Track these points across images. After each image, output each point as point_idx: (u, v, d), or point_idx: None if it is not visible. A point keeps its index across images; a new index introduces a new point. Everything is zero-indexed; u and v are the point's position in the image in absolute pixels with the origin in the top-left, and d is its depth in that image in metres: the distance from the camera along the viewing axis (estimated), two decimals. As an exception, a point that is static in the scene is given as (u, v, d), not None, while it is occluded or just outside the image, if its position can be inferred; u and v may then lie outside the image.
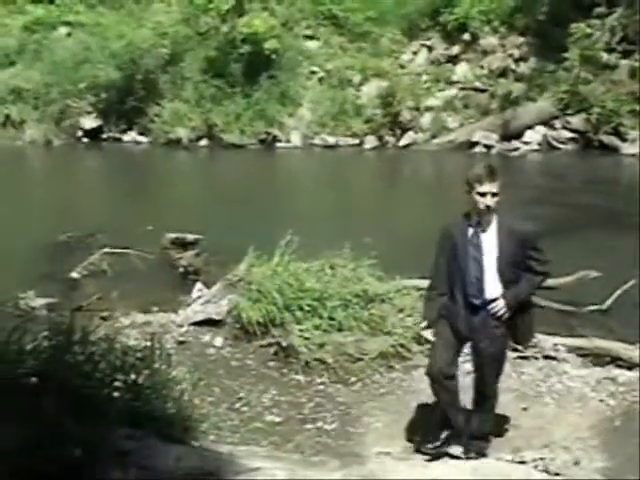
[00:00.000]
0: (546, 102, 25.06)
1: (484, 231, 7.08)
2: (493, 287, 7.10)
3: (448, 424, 7.46)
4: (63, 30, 29.16)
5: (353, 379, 9.18)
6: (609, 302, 11.78)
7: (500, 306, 7.09)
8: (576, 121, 24.49)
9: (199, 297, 11.32)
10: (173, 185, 22.28)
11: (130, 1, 29.59)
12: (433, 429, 7.65)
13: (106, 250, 14.09)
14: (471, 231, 7.11)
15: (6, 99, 27.56)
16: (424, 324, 7.59)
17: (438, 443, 7.44)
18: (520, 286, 7.15)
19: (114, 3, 29.61)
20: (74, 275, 13.60)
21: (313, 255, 10.85)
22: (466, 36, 27.38)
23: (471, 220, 7.11)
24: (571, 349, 9.91)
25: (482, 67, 26.89)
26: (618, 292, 11.86)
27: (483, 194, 6.94)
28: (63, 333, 6.90)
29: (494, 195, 6.95)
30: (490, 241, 7.07)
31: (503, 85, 25.92)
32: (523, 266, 7.12)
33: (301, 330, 9.68)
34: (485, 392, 7.41)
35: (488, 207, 6.95)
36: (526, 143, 24.61)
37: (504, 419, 8.01)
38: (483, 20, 27.33)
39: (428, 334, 7.52)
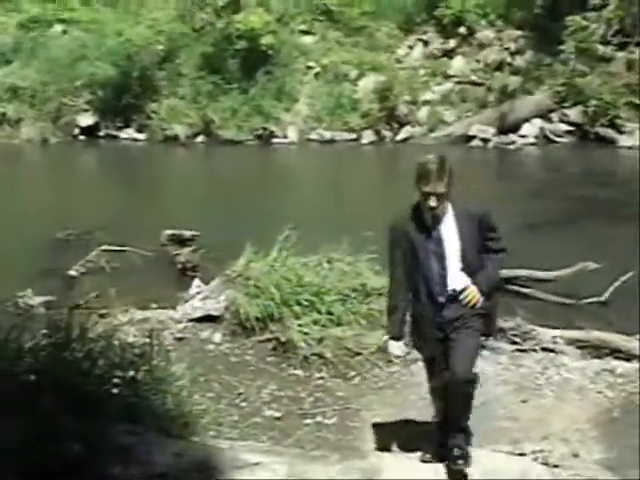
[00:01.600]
0: (543, 95, 25.06)
1: (442, 224, 6.52)
2: (458, 279, 6.57)
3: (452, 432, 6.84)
4: (59, 28, 29.10)
5: (352, 373, 9.19)
6: (608, 294, 11.80)
7: (473, 293, 6.57)
8: (573, 114, 24.48)
9: (197, 293, 11.31)
10: (170, 181, 22.29)
11: (125, -2, 29.58)
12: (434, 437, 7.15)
13: (104, 247, 14.11)
14: (427, 225, 6.53)
15: (2, 97, 27.48)
16: (386, 337, 7.14)
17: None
18: (488, 269, 6.66)
19: (110, 0, 29.57)
20: (72, 273, 13.61)
21: (311, 250, 10.87)
22: (462, 30, 27.37)
23: (424, 214, 6.53)
24: (569, 341, 9.91)
25: (478, 61, 26.87)
26: (617, 284, 11.88)
27: (427, 194, 6.38)
28: (61, 331, 6.94)
29: (439, 196, 6.36)
30: (450, 232, 6.54)
31: (499, 78, 25.91)
32: (482, 249, 6.66)
33: (300, 325, 9.69)
34: (460, 386, 6.63)
35: (432, 209, 6.40)
36: (523, 136, 24.59)
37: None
38: (479, 14, 27.32)
39: (394, 348, 6.99)
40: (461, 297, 6.59)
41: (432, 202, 6.36)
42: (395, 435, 7.85)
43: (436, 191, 6.34)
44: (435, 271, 6.56)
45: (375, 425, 8.16)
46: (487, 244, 6.67)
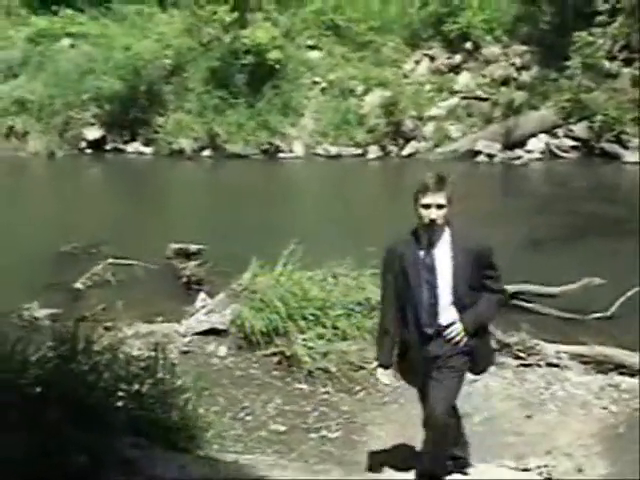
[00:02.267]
0: (548, 110, 25.04)
1: (437, 251, 6.34)
2: (448, 313, 6.35)
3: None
4: (66, 42, 29.19)
5: (357, 388, 9.20)
6: (613, 309, 11.80)
7: (457, 331, 6.35)
8: (578, 129, 24.46)
9: (203, 307, 11.35)
10: (176, 195, 22.33)
11: (133, 12, 29.58)
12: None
13: (110, 261, 14.14)
14: (422, 252, 6.35)
15: (10, 110, 27.56)
16: (375, 364, 6.95)
17: None
18: (478, 307, 6.40)
19: (117, 15, 29.63)
20: (78, 286, 13.64)
21: (316, 264, 10.89)
22: (468, 45, 27.37)
23: (421, 238, 6.37)
24: (574, 356, 9.93)
25: (484, 76, 26.87)
26: (622, 299, 11.88)
27: (427, 206, 6.21)
28: (67, 343, 6.95)
29: (440, 207, 6.20)
30: (444, 261, 6.32)
31: (505, 94, 25.91)
32: (479, 287, 6.41)
33: (304, 339, 9.73)
34: (442, 421, 6.48)
35: (432, 221, 6.21)
36: (529, 151, 24.55)
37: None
38: (485, 29, 27.33)
39: (382, 376, 6.83)
40: (445, 333, 6.38)
41: (432, 214, 6.19)
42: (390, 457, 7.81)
43: (436, 202, 6.20)
44: (425, 299, 6.34)
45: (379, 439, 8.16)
46: (485, 282, 6.44)
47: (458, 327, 6.35)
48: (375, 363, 6.99)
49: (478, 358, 6.57)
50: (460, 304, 6.35)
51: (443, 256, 6.32)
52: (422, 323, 6.38)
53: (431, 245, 6.32)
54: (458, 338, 6.35)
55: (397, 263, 6.43)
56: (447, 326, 6.36)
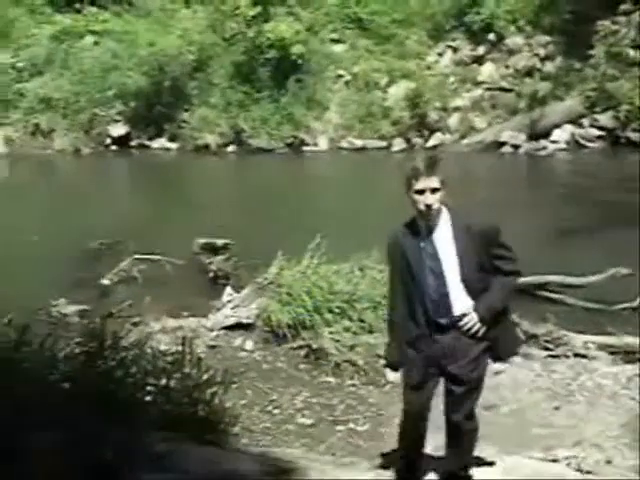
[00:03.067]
0: (573, 100, 24.95)
1: (437, 236, 5.91)
2: (460, 301, 5.90)
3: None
4: (90, 39, 29.31)
5: (384, 380, 9.18)
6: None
7: (473, 321, 5.88)
8: (604, 119, 24.36)
9: (229, 301, 11.37)
10: (202, 190, 22.36)
11: (156, 8, 29.69)
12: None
13: (137, 256, 14.19)
14: (422, 239, 5.93)
15: (35, 108, 27.76)
16: (386, 364, 6.44)
17: None
18: (492, 293, 5.93)
19: (140, 11, 29.74)
20: (105, 282, 13.71)
21: (342, 258, 10.89)
22: (491, 36, 27.31)
23: (419, 226, 5.96)
24: (602, 347, 9.89)
25: (508, 67, 26.80)
26: (649, 289, 11.82)
27: (421, 191, 5.79)
28: (95, 339, 6.98)
29: (434, 191, 5.78)
30: (447, 247, 5.90)
31: (530, 84, 25.84)
32: (490, 269, 5.95)
33: (331, 332, 9.74)
34: (461, 426, 6.13)
35: (428, 206, 5.78)
36: (554, 142, 24.49)
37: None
38: (508, 20, 27.25)
39: (391, 375, 6.36)
40: (461, 324, 5.91)
41: (428, 199, 5.76)
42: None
43: (429, 186, 5.77)
44: (433, 289, 5.90)
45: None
46: (496, 263, 5.96)
47: (474, 317, 5.89)
48: (383, 362, 6.55)
49: (500, 346, 6.09)
50: (472, 290, 5.90)
51: (445, 241, 5.90)
52: (432, 313, 5.92)
53: (430, 232, 5.91)
54: (475, 328, 5.89)
55: (400, 256, 6.03)
56: (461, 316, 5.90)
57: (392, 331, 6.29)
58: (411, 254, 5.96)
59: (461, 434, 6.15)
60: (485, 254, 5.91)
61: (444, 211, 5.94)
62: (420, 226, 5.95)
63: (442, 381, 6.08)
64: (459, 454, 6.27)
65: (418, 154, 5.94)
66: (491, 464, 6.71)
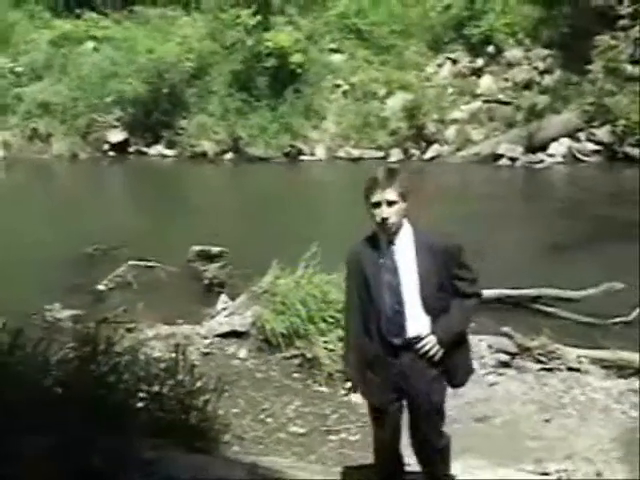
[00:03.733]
0: (571, 114, 24.98)
1: (398, 251, 5.71)
2: (417, 321, 5.67)
3: None
4: (90, 44, 29.36)
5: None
6: (634, 314, 11.75)
7: (431, 344, 5.66)
8: (601, 133, 24.39)
9: (223, 309, 11.39)
10: (198, 198, 22.36)
11: (156, 16, 29.73)
12: None
13: (131, 263, 14.20)
14: (382, 253, 5.74)
15: (33, 113, 27.77)
16: (349, 385, 6.13)
17: None
18: (451, 315, 5.71)
19: (140, 18, 29.78)
20: (100, 287, 13.71)
21: (337, 267, 10.90)
22: (490, 49, 27.36)
23: (380, 240, 5.77)
24: (594, 361, 9.90)
25: (506, 80, 26.84)
26: (643, 304, 11.84)
27: (377, 204, 5.64)
28: (88, 344, 6.99)
29: (390, 204, 5.60)
30: (407, 263, 5.67)
31: (528, 97, 25.87)
32: (450, 290, 5.74)
33: (325, 341, 9.74)
34: (427, 444, 5.97)
35: (384, 220, 5.60)
36: (551, 155, 24.49)
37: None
38: (508, 33, 27.31)
39: (353, 396, 6.14)
40: (418, 346, 5.69)
41: (384, 213, 5.60)
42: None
43: (385, 198, 5.61)
44: (388, 305, 5.67)
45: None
46: (456, 284, 5.75)
47: (432, 339, 5.67)
48: (348, 384, 6.17)
49: (456, 370, 5.90)
50: (430, 310, 5.68)
51: (406, 257, 5.69)
52: (386, 333, 5.69)
53: (391, 246, 5.72)
54: (433, 351, 5.68)
55: (358, 270, 5.84)
56: (418, 337, 5.68)
57: (348, 351, 6.06)
58: (369, 268, 5.76)
59: (428, 451, 6.00)
60: (446, 274, 5.70)
61: (406, 226, 5.78)
62: (380, 240, 5.77)
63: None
64: (433, 471, 6.11)
65: (378, 166, 5.62)
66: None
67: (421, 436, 5.94)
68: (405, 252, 5.70)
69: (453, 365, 5.83)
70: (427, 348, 5.66)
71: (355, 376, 5.97)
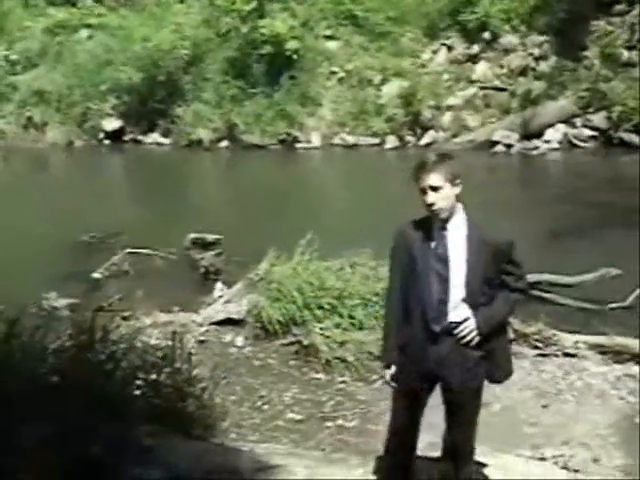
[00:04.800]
0: (566, 100, 24.96)
1: (450, 239, 5.61)
2: (458, 310, 5.61)
3: None
4: (84, 33, 29.31)
5: (374, 377, 9.18)
6: (631, 299, 11.77)
7: (470, 328, 5.59)
8: (597, 119, 24.38)
9: (220, 297, 11.39)
10: (194, 186, 22.36)
11: (151, 3, 29.65)
12: None
13: (128, 250, 14.19)
14: (434, 239, 5.62)
15: (28, 101, 27.75)
16: (384, 364, 6.02)
17: None
18: (495, 306, 5.65)
19: (135, 5, 29.70)
20: (96, 276, 13.70)
21: (334, 255, 10.90)
22: (486, 35, 27.28)
23: (432, 225, 5.65)
24: (591, 346, 9.90)
25: (502, 66, 26.78)
26: (639, 290, 11.85)
27: (423, 190, 5.51)
28: (85, 332, 6.98)
29: (435, 189, 5.48)
30: (457, 251, 5.59)
31: (523, 84, 25.84)
32: (496, 284, 5.67)
33: (322, 329, 9.73)
34: (459, 443, 5.95)
35: (429, 205, 5.51)
36: (547, 142, 24.48)
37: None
38: (503, 19, 27.22)
39: (389, 376, 5.91)
40: (456, 331, 5.61)
41: (429, 198, 5.47)
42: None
43: (430, 184, 5.47)
44: (435, 294, 5.59)
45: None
46: (504, 279, 5.69)
47: (471, 324, 5.58)
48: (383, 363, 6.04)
49: (496, 364, 5.81)
50: (472, 301, 5.60)
51: (457, 246, 5.58)
52: (429, 319, 5.60)
53: (443, 233, 5.60)
54: (470, 337, 5.59)
55: (406, 250, 5.69)
56: (458, 324, 5.60)
57: (386, 331, 5.98)
58: (418, 252, 5.63)
59: (456, 453, 5.95)
60: (494, 268, 5.64)
61: (460, 214, 5.66)
62: (433, 225, 5.64)
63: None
64: (454, 465, 6.01)
65: (428, 151, 5.41)
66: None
67: (452, 432, 5.90)
68: (456, 241, 5.60)
69: (492, 356, 5.75)
70: (466, 332, 5.59)
71: (391, 357, 5.88)
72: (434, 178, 5.47)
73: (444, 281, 5.57)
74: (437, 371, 5.70)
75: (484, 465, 6.68)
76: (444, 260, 5.58)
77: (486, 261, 5.57)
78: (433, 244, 5.61)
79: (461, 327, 5.58)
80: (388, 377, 5.90)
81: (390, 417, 6.12)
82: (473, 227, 5.62)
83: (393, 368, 5.84)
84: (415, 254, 5.63)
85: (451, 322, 5.59)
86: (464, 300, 5.59)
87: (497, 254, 5.59)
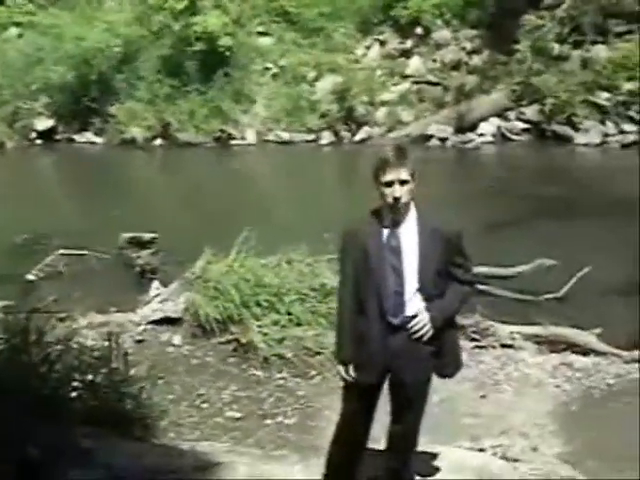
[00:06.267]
0: (499, 94, 25.19)
1: (403, 232, 5.60)
2: (414, 302, 5.59)
3: None
4: (14, 31, 28.94)
5: (313, 373, 9.21)
6: (565, 290, 11.91)
7: (424, 322, 5.57)
8: (530, 112, 24.64)
9: (156, 296, 11.31)
10: (128, 185, 22.18)
11: (82, 1, 29.34)
12: None
13: (62, 251, 14.04)
14: (386, 233, 5.60)
15: (-43, 101, 27.34)
16: (338, 361, 5.95)
17: None
18: (446, 299, 5.66)
19: (66, 3, 29.36)
20: (30, 277, 13.53)
21: (271, 251, 10.88)
22: (419, 30, 27.42)
23: (384, 218, 5.63)
24: (527, 337, 10.02)
25: (435, 60, 26.95)
26: (574, 280, 11.99)
27: (389, 183, 5.46)
28: (19, 334, 6.89)
29: (403, 183, 5.47)
30: (410, 243, 5.59)
31: (456, 78, 26.02)
32: (446, 274, 5.68)
33: (259, 326, 9.71)
34: (404, 436, 5.95)
35: (396, 199, 5.47)
36: (481, 135, 24.68)
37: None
38: (435, 14, 27.37)
39: (345, 374, 5.82)
40: (410, 324, 5.59)
41: (397, 191, 5.45)
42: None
43: (399, 177, 5.46)
44: (390, 286, 5.59)
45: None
46: (452, 271, 5.70)
47: (424, 318, 5.57)
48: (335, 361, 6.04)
49: (447, 358, 5.82)
50: (426, 292, 5.60)
51: (409, 238, 5.60)
52: (386, 313, 5.59)
53: (396, 226, 5.60)
54: (425, 329, 5.58)
55: (357, 246, 5.67)
56: (412, 317, 5.58)
57: (341, 325, 5.91)
58: (372, 246, 5.62)
59: (401, 446, 5.98)
60: (445, 259, 5.64)
61: (412, 207, 5.66)
62: (386, 220, 5.63)
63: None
64: (398, 456, 6.06)
65: (387, 144, 5.44)
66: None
67: (396, 426, 5.90)
68: (409, 233, 5.61)
69: (443, 353, 5.76)
70: (420, 326, 5.57)
71: (347, 352, 5.81)
72: (404, 172, 5.48)
73: (399, 273, 5.58)
74: (391, 364, 5.69)
75: (425, 456, 6.72)
76: (397, 252, 5.59)
77: (437, 252, 5.58)
78: (386, 237, 5.61)
79: (414, 321, 5.57)
80: (344, 373, 5.82)
81: (341, 411, 6.04)
82: (423, 219, 5.64)
83: (350, 366, 5.78)
84: (368, 249, 5.61)
85: (405, 316, 5.59)
86: (418, 290, 5.58)
87: (448, 246, 5.62)
